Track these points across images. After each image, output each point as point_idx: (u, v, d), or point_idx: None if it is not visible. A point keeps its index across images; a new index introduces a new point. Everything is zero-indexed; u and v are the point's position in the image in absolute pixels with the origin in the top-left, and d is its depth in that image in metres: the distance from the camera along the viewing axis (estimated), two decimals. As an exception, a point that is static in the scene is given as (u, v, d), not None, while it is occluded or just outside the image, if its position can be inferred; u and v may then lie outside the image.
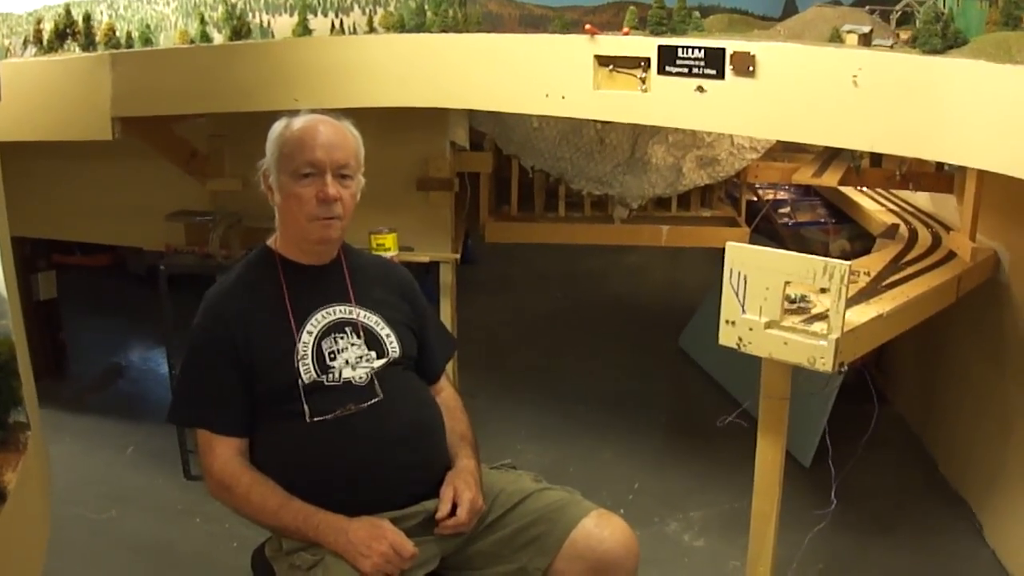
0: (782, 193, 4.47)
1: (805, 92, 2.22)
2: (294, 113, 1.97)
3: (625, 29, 2.50)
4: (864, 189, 3.96)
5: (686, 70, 2.33)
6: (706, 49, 2.30)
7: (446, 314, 3.51)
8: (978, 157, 2.08)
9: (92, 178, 3.70)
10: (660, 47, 2.37)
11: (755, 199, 4.21)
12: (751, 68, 2.24)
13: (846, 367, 2.20)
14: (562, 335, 5.07)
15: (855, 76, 2.13)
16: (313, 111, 1.97)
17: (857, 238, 4.00)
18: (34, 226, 3.87)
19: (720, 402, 3.91)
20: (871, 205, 3.83)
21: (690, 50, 2.32)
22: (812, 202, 4.43)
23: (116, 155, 3.42)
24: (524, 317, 5.37)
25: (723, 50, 2.27)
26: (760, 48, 2.25)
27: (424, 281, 3.00)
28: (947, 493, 3.31)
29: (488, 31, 2.88)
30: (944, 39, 2.09)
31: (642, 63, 2.43)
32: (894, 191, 3.91)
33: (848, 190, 3.96)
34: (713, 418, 3.23)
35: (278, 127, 1.95)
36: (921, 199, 3.84)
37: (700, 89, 2.33)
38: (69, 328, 4.52)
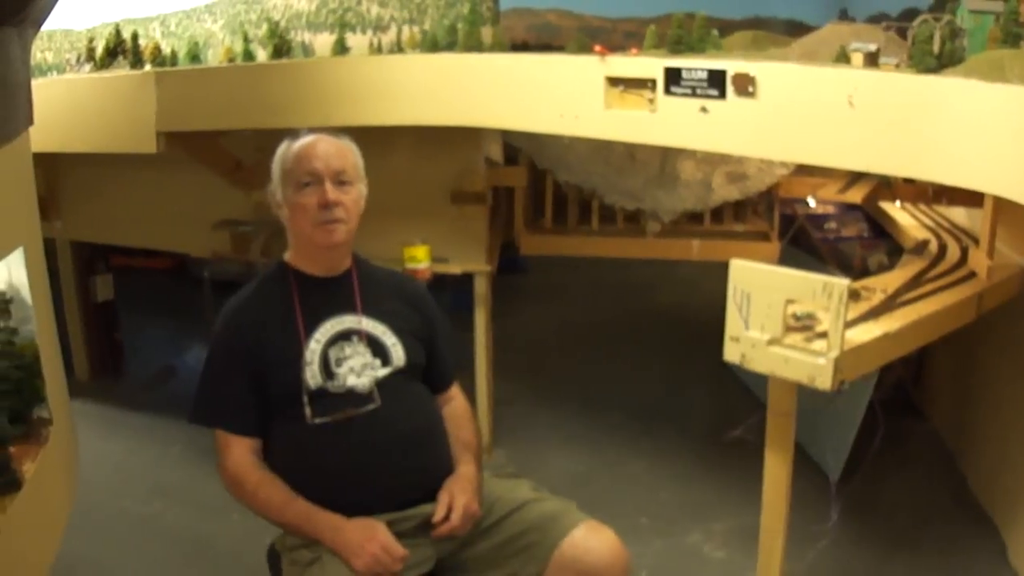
0: (829, 207, 4.44)
1: (803, 112, 2.25)
2: (296, 135, 2.08)
3: (634, 50, 2.55)
4: (905, 204, 3.92)
5: (690, 91, 2.37)
6: (708, 70, 2.33)
7: (480, 324, 3.59)
8: (970, 177, 2.07)
9: (146, 187, 3.87)
10: (666, 68, 2.41)
11: (792, 213, 4.20)
12: (751, 89, 2.27)
13: (847, 385, 2.23)
14: (607, 344, 5.10)
15: (851, 96, 2.15)
16: (312, 130, 2.09)
17: (896, 253, 3.95)
18: (92, 232, 4.09)
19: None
20: (906, 220, 3.78)
21: (693, 71, 2.36)
22: (855, 216, 4.40)
23: (169, 165, 3.57)
24: (571, 326, 5.40)
25: (724, 71, 2.31)
26: (759, 68, 2.28)
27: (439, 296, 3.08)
28: (975, 512, 3.27)
29: (546, 42, 2.90)
30: (939, 58, 2.10)
31: (649, 83, 2.47)
32: (936, 206, 3.87)
33: (887, 204, 3.93)
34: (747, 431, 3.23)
35: (280, 149, 2.08)
36: (960, 214, 3.79)
37: (704, 109, 2.37)
38: (128, 328, 4.72)
